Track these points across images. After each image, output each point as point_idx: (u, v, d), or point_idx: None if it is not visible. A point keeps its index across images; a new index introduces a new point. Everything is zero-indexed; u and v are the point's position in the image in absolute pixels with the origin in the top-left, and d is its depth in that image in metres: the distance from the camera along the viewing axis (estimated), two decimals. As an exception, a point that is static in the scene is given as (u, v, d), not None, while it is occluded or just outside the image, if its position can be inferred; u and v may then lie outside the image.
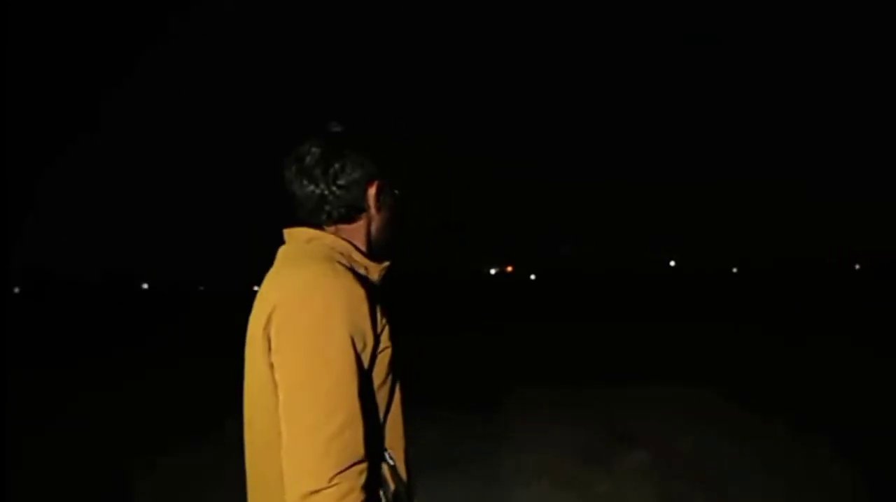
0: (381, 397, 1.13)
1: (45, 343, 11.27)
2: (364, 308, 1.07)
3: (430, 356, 9.12)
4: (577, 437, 4.85)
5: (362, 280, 1.12)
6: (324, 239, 1.18)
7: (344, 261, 1.14)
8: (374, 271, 1.20)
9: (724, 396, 5.93)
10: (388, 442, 1.15)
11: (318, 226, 1.21)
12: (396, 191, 1.25)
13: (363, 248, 1.22)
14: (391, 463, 1.13)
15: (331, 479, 0.98)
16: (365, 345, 1.07)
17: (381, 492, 1.10)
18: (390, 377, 1.14)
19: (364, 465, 1.02)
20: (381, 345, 1.11)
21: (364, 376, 1.07)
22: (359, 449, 1.01)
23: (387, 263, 1.23)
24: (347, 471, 0.99)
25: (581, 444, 4.68)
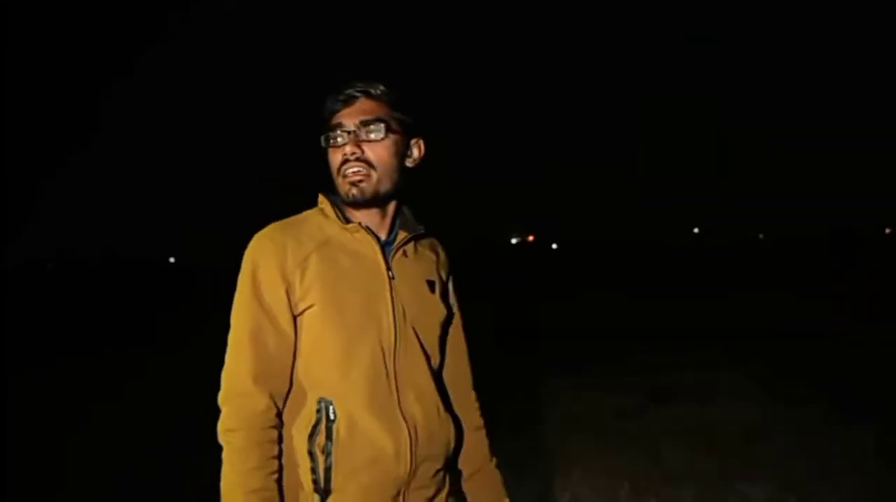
0: (324, 352, 1.17)
1: (54, 333, 10.81)
2: (272, 261, 1.16)
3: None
4: (613, 397, 5.15)
5: (321, 237, 1.21)
6: (321, 203, 1.26)
7: (312, 221, 1.24)
8: (353, 236, 1.23)
9: (760, 366, 6.09)
10: (337, 398, 1.15)
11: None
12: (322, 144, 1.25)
13: (343, 210, 1.25)
14: (331, 417, 1.14)
15: (220, 402, 1.15)
16: (277, 296, 1.16)
17: (310, 440, 1.15)
18: (339, 337, 1.17)
19: (248, 400, 1.12)
20: (306, 302, 1.16)
21: (283, 320, 1.16)
22: (241, 382, 1.13)
23: (353, 225, 1.23)
24: (230, 400, 1.14)
25: (617, 403, 4.99)
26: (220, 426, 1.15)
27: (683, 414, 4.69)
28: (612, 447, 4.08)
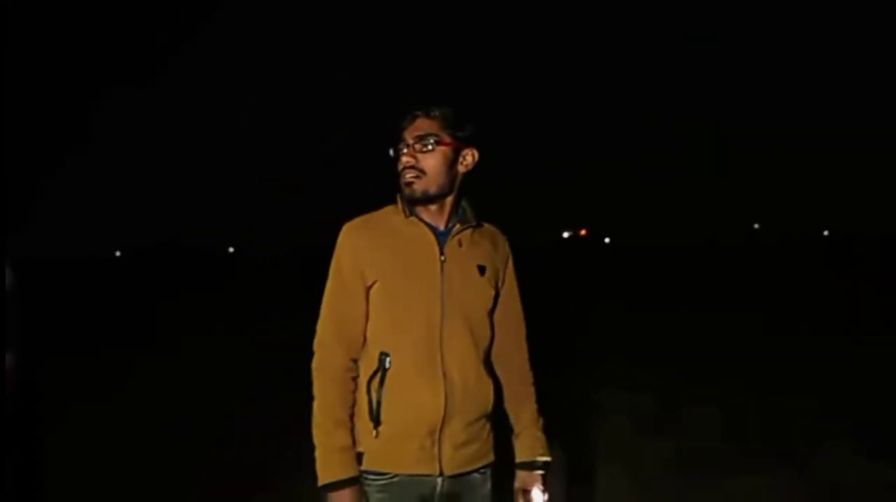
0: (384, 317, 1.50)
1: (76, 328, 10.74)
2: (349, 249, 1.51)
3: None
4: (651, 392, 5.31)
5: (389, 229, 1.53)
6: (398, 200, 1.56)
7: (385, 217, 1.55)
8: (413, 227, 1.53)
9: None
10: (392, 353, 1.48)
11: None
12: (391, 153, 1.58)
13: (409, 207, 1.53)
14: (387, 367, 1.47)
15: (313, 348, 1.52)
16: (353, 275, 1.50)
17: (369, 382, 1.49)
18: (394, 307, 1.48)
19: (328, 349, 1.50)
20: (371, 279, 1.49)
21: (357, 293, 1.50)
22: (324, 335, 1.51)
23: (412, 218, 1.53)
24: (317, 348, 1.51)
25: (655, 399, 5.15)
26: (312, 365, 1.54)
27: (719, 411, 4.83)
28: (647, 437, 4.28)
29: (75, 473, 3.85)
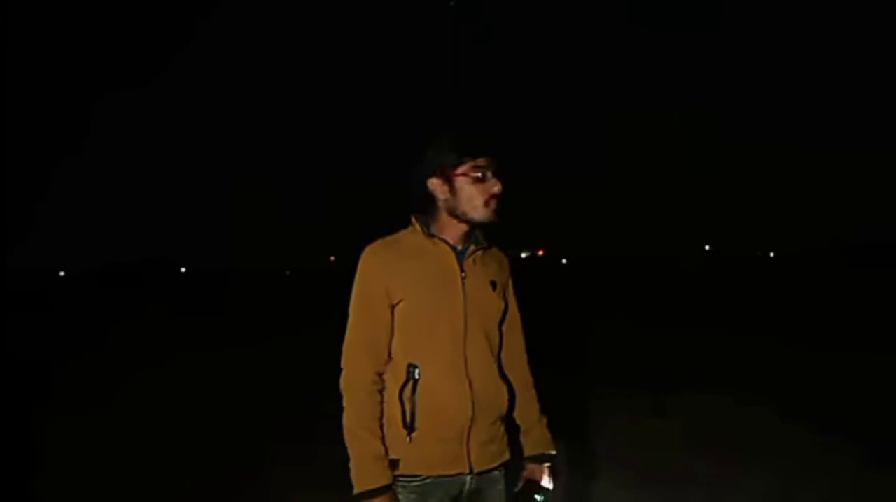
0: (412, 330, 1.60)
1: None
2: (374, 270, 1.59)
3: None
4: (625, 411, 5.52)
5: (411, 249, 1.62)
6: (414, 222, 1.66)
7: (405, 238, 1.64)
8: (435, 246, 1.63)
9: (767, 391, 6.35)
10: (421, 364, 1.58)
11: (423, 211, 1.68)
12: (455, 183, 1.60)
13: (435, 230, 1.63)
14: (416, 377, 1.57)
15: (341, 365, 1.62)
16: (378, 294, 1.59)
17: (400, 392, 1.58)
18: (421, 321, 1.59)
19: (356, 364, 1.60)
20: (397, 297, 1.58)
21: (382, 311, 1.59)
22: (352, 352, 1.61)
23: (434, 238, 1.63)
24: (345, 364, 1.61)
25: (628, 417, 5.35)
26: (340, 381, 1.64)
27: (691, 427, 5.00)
28: (625, 453, 4.42)
29: (72, 480, 3.97)
